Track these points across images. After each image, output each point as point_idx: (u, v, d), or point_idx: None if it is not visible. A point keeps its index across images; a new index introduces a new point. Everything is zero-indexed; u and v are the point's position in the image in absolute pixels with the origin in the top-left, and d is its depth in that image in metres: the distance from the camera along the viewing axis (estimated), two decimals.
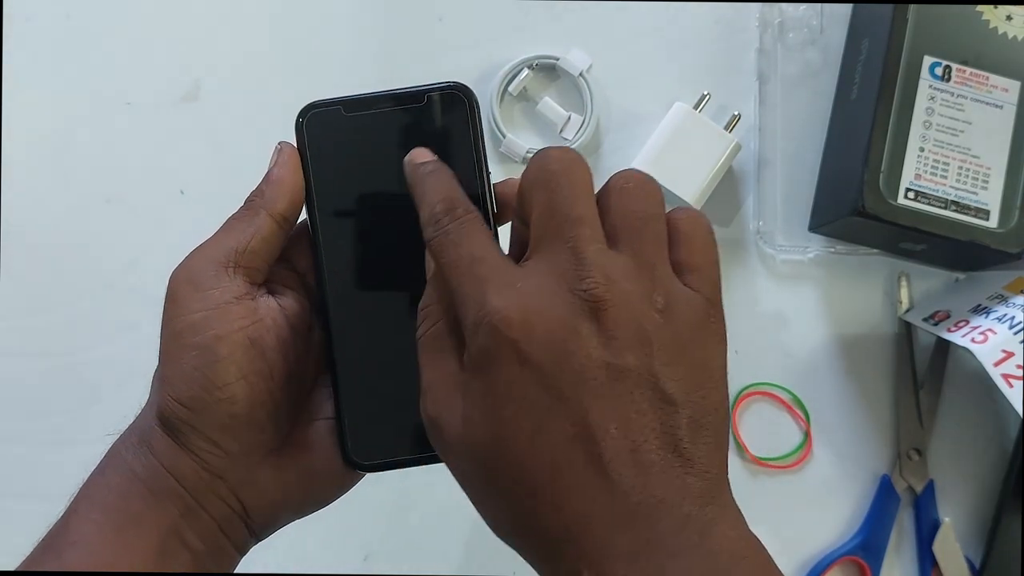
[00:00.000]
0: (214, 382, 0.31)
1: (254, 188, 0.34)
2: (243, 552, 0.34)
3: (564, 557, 0.26)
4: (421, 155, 0.33)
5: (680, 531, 0.25)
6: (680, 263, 0.29)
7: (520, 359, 0.26)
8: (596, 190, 0.30)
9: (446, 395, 0.28)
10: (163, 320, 0.32)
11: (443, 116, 0.35)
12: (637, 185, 0.29)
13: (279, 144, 0.35)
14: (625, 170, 0.30)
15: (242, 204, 0.34)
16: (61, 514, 0.32)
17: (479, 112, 0.35)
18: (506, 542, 0.28)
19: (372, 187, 0.35)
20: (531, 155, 0.58)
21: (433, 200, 0.30)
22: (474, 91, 0.35)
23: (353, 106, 0.35)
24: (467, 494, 0.29)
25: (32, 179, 0.60)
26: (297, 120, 0.35)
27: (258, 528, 0.34)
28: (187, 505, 0.32)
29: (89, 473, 0.33)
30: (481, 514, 0.29)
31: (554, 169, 0.28)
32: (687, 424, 0.26)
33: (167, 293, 0.32)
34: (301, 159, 0.35)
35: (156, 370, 0.33)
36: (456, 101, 0.35)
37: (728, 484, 0.28)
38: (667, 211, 0.30)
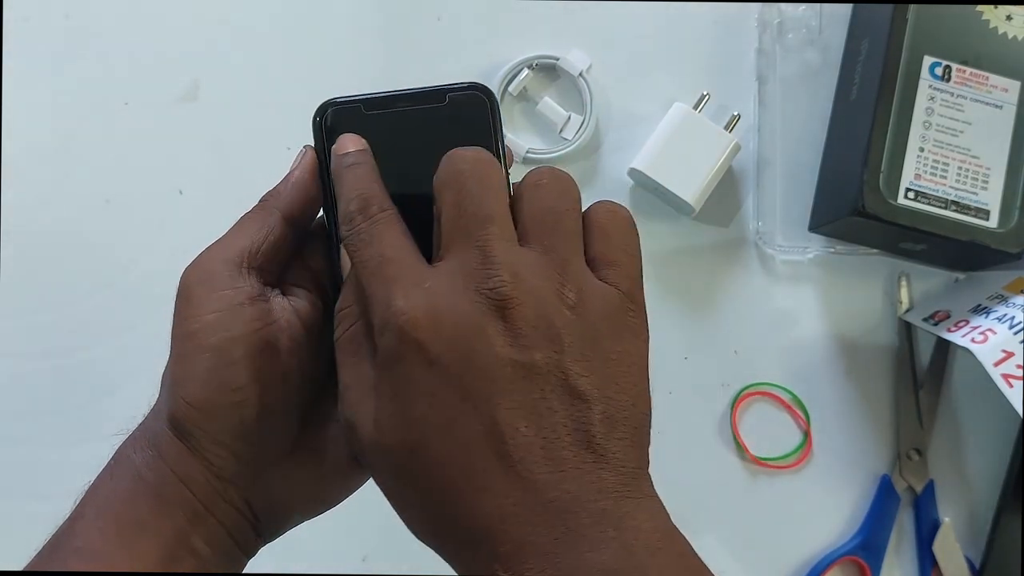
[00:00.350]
0: (227, 385, 0.30)
1: (271, 188, 0.34)
2: (250, 556, 0.34)
3: (480, 557, 0.26)
4: (345, 144, 0.32)
5: (595, 525, 0.25)
6: (597, 258, 0.29)
7: (427, 359, 0.26)
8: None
9: (360, 397, 0.28)
10: (175, 320, 0.31)
11: (463, 116, 0.35)
12: (551, 181, 0.29)
13: (304, 148, 0.34)
14: (539, 167, 0.30)
15: (256, 203, 0.33)
16: (67, 517, 0.32)
17: (500, 113, 0.35)
18: (425, 543, 0.28)
19: (391, 186, 0.35)
20: (531, 155, 0.58)
21: (349, 196, 0.30)
22: (494, 92, 0.35)
23: (373, 104, 0.35)
24: (385, 495, 0.29)
25: (32, 179, 0.60)
26: (314, 118, 0.35)
27: (266, 532, 0.34)
28: (195, 511, 0.31)
29: (96, 474, 0.32)
30: (399, 515, 0.29)
31: (463, 169, 0.29)
32: (600, 419, 0.26)
33: (179, 292, 0.32)
34: (317, 156, 0.34)
35: (165, 371, 0.32)
36: (477, 101, 0.35)
37: (648, 477, 0.27)
38: (587, 206, 0.30)
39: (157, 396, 0.33)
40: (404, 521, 0.29)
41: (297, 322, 0.32)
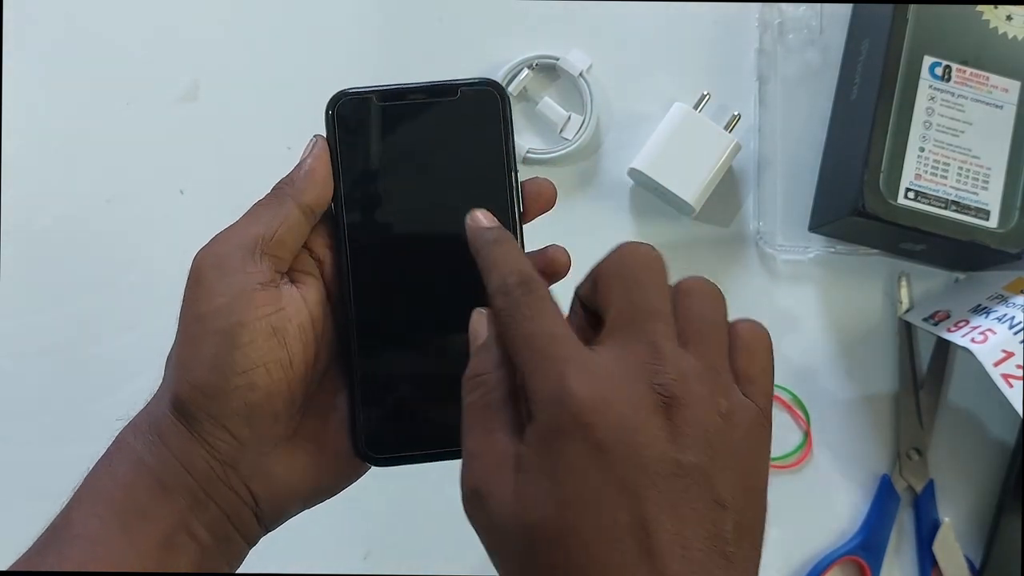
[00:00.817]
0: (234, 369, 0.31)
1: (284, 176, 0.34)
2: (252, 544, 0.34)
3: None
4: (485, 218, 0.33)
5: None
6: (739, 372, 0.30)
7: (590, 442, 0.27)
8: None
9: (496, 467, 0.28)
10: (185, 302, 0.32)
11: (475, 111, 0.35)
12: (706, 291, 0.31)
13: (315, 137, 0.35)
14: (693, 276, 0.31)
15: (269, 191, 0.34)
16: (64, 505, 0.32)
17: (511, 110, 0.35)
18: None
19: (401, 179, 0.35)
20: (531, 155, 0.58)
21: (506, 271, 0.31)
22: (506, 90, 0.35)
23: (386, 96, 0.35)
24: (500, 568, 0.29)
25: (32, 179, 0.60)
26: (327, 109, 0.35)
27: (268, 519, 0.34)
28: (196, 497, 0.32)
29: (94, 461, 0.32)
30: None
31: (637, 263, 0.30)
32: (734, 527, 0.27)
33: (191, 275, 0.32)
34: (329, 146, 0.34)
35: (171, 354, 0.32)
36: (488, 98, 0.35)
37: None
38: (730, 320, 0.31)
39: (160, 382, 0.33)
40: None
41: (304, 310, 0.33)
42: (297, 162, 0.34)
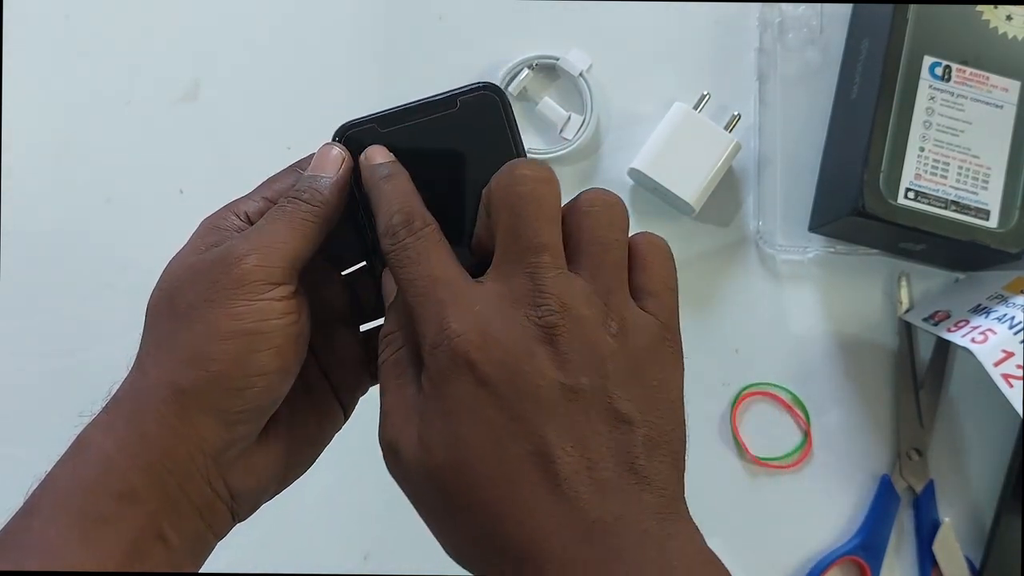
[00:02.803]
0: (260, 369, 0.31)
1: (315, 184, 0.33)
2: (220, 538, 0.34)
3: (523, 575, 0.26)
4: (376, 155, 0.33)
5: (638, 546, 0.26)
6: (638, 288, 0.30)
7: (478, 380, 0.27)
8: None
9: (403, 419, 0.29)
10: (217, 289, 0.31)
11: (478, 118, 0.35)
12: (602, 208, 0.30)
13: (338, 150, 0.34)
14: (592, 190, 0.30)
15: (305, 196, 0.33)
16: (19, 510, 0.31)
17: (512, 109, 0.35)
18: (464, 566, 0.29)
19: (424, 199, 0.35)
20: (531, 155, 0.58)
21: (390, 209, 0.31)
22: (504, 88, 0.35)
23: (387, 121, 0.35)
24: (423, 518, 0.29)
25: (32, 179, 0.60)
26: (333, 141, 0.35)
27: (243, 511, 0.34)
28: (168, 496, 0.31)
29: (53, 464, 0.32)
30: (438, 538, 0.29)
31: (522, 192, 0.29)
32: (643, 443, 0.27)
33: (230, 264, 0.31)
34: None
35: (172, 344, 0.32)
36: (488, 101, 0.35)
37: (684, 502, 0.28)
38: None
39: (132, 377, 0.33)
40: (444, 544, 0.29)
41: (308, 322, 0.33)
42: (312, 166, 0.34)
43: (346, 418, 0.37)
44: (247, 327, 0.31)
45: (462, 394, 0.27)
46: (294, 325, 0.32)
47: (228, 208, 0.35)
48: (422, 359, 0.29)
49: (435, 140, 0.35)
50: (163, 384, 0.32)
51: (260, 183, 0.35)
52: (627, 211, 0.30)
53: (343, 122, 0.35)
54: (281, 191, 0.35)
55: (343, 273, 0.37)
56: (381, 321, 0.35)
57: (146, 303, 0.34)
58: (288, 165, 0.35)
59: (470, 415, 0.27)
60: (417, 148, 0.35)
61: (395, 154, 0.34)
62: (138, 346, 0.35)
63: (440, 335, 0.28)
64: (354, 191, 0.34)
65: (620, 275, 0.29)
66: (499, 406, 0.27)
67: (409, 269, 0.30)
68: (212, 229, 0.34)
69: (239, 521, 0.35)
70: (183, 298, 0.32)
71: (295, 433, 0.35)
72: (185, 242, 0.34)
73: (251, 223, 0.34)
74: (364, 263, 0.37)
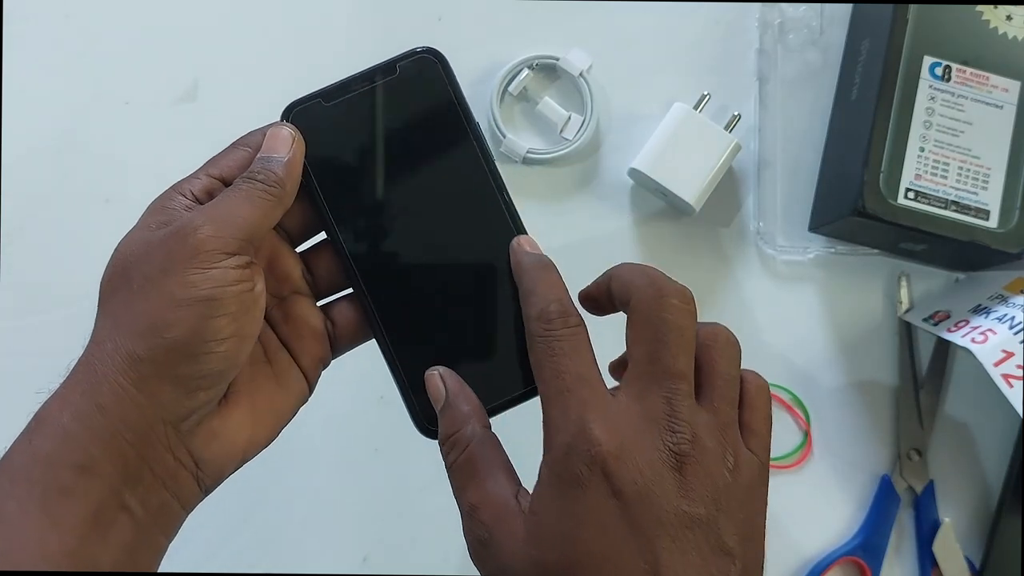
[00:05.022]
0: (216, 335, 0.32)
1: (268, 165, 0.34)
2: (189, 510, 0.34)
3: None
4: (529, 243, 0.36)
5: None
6: (744, 424, 0.32)
7: (612, 490, 0.29)
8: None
9: (499, 515, 0.31)
10: (172, 260, 0.32)
11: (419, 82, 0.37)
12: (727, 346, 0.33)
13: (288, 130, 0.35)
14: (716, 326, 0.33)
15: (259, 176, 0.34)
16: None
17: (451, 70, 0.36)
18: None
19: (375, 167, 0.36)
20: (531, 155, 0.58)
21: (548, 297, 0.33)
22: (442, 51, 0.36)
23: (331, 95, 0.37)
24: None
25: (32, 179, 0.60)
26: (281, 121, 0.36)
27: (209, 480, 0.34)
28: (128, 466, 0.31)
29: (11, 443, 0.32)
30: None
31: (668, 319, 0.31)
32: (739, 574, 0.29)
33: (187, 241, 0.32)
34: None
35: (128, 314, 0.32)
36: (426, 64, 0.37)
37: None
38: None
39: (88, 351, 0.33)
40: None
41: (264, 291, 0.34)
42: (265, 146, 0.35)
43: (311, 390, 0.38)
44: (202, 294, 0.32)
45: (592, 500, 0.29)
46: (249, 293, 0.33)
47: (173, 189, 0.35)
48: (546, 441, 0.30)
49: (378, 105, 0.36)
50: (119, 354, 0.32)
51: (205, 162, 0.36)
52: (741, 349, 0.33)
53: (289, 102, 0.36)
54: (225, 167, 0.36)
55: (297, 250, 0.38)
56: (337, 297, 0.38)
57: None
58: (231, 143, 0.36)
59: (596, 521, 0.29)
60: (362, 114, 0.36)
61: (342, 124, 0.36)
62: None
63: (581, 438, 0.29)
64: (307, 168, 0.36)
65: (735, 412, 0.32)
66: (626, 520, 0.29)
67: (559, 360, 0.31)
68: (160, 209, 0.35)
69: (206, 492, 0.35)
70: (138, 271, 0.33)
71: (257, 401, 0.35)
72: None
73: (198, 201, 0.35)
74: (316, 238, 0.38)
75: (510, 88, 0.58)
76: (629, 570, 0.28)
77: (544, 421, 0.31)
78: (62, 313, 0.59)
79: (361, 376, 0.39)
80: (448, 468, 0.33)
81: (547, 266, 0.34)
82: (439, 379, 0.35)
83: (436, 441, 0.35)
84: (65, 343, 0.59)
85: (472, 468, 0.32)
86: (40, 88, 0.61)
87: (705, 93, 0.57)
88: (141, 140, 0.60)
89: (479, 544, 0.31)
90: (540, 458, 0.31)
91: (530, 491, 0.31)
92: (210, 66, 0.61)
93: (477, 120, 0.37)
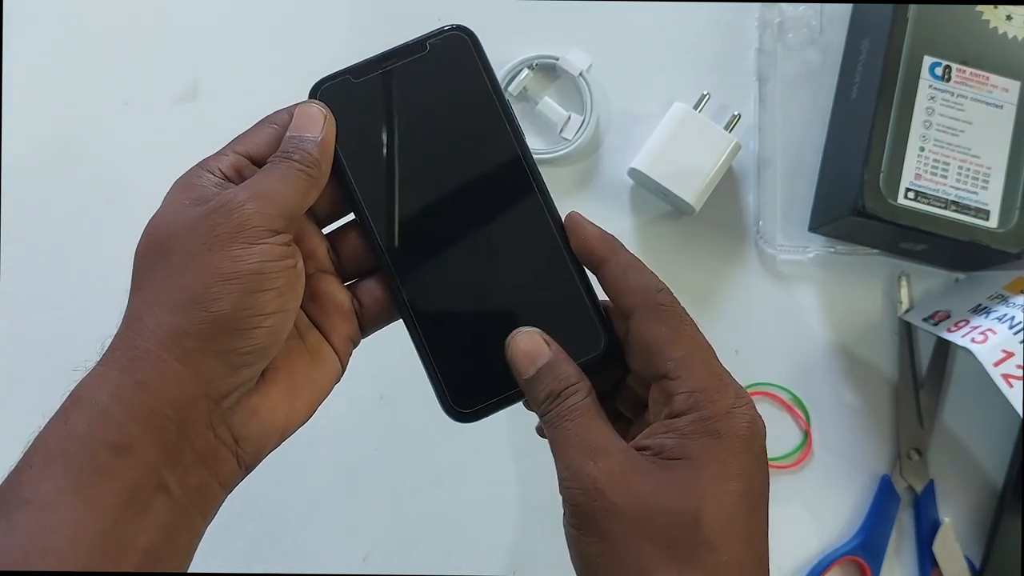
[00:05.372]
0: (259, 310, 0.32)
1: (303, 145, 0.34)
2: (228, 489, 0.34)
3: None
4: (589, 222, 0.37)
5: None
6: None
7: (755, 456, 0.32)
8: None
9: (627, 461, 0.32)
10: (216, 235, 0.32)
11: (449, 59, 0.36)
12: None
13: (318, 108, 0.35)
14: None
15: (295, 156, 0.34)
16: (12, 469, 0.30)
17: (482, 47, 0.36)
18: None
19: (405, 145, 0.36)
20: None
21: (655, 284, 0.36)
22: (473, 29, 0.36)
23: (360, 72, 0.36)
24: (633, 552, 0.31)
25: (32, 179, 0.60)
26: (310, 98, 0.36)
27: (249, 458, 0.34)
28: (167, 443, 0.31)
29: (45, 421, 0.31)
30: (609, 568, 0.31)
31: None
32: None
33: (230, 209, 0.32)
34: None
35: (167, 287, 0.32)
36: (457, 41, 0.36)
37: None
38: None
39: (126, 326, 0.33)
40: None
41: (302, 266, 0.34)
42: (295, 124, 0.35)
43: (343, 368, 0.37)
44: (249, 267, 0.31)
45: (748, 456, 0.32)
46: (292, 269, 0.33)
47: (200, 166, 0.35)
48: (669, 405, 0.32)
49: (408, 83, 0.36)
50: (162, 328, 0.31)
51: (231, 139, 0.36)
52: None
53: (317, 79, 0.36)
54: (252, 145, 0.35)
55: (324, 231, 0.38)
56: (360, 280, 0.37)
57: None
58: (259, 120, 0.36)
59: (751, 476, 0.31)
60: (392, 92, 0.36)
61: (370, 102, 0.36)
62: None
63: (742, 400, 0.32)
64: (336, 149, 0.35)
65: None
66: (763, 474, 0.32)
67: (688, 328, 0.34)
68: (189, 186, 0.34)
69: (247, 471, 0.34)
70: (179, 245, 0.32)
71: (294, 378, 0.35)
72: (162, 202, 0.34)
73: (226, 178, 0.34)
74: (342, 220, 0.38)
75: (510, 88, 0.58)
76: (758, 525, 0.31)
77: (690, 381, 0.32)
78: (62, 313, 0.59)
79: (361, 376, 0.39)
80: (557, 420, 0.33)
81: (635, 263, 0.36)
82: (541, 338, 0.34)
83: (461, 423, 0.35)
84: (65, 343, 0.59)
85: (591, 418, 0.33)
86: (40, 88, 0.61)
87: (705, 93, 0.57)
88: (141, 140, 0.60)
89: (595, 492, 0.31)
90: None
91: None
92: (210, 66, 0.61)
93: (508, 98, 0.36)
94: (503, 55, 0.59)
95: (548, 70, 0.60)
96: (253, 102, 0.61)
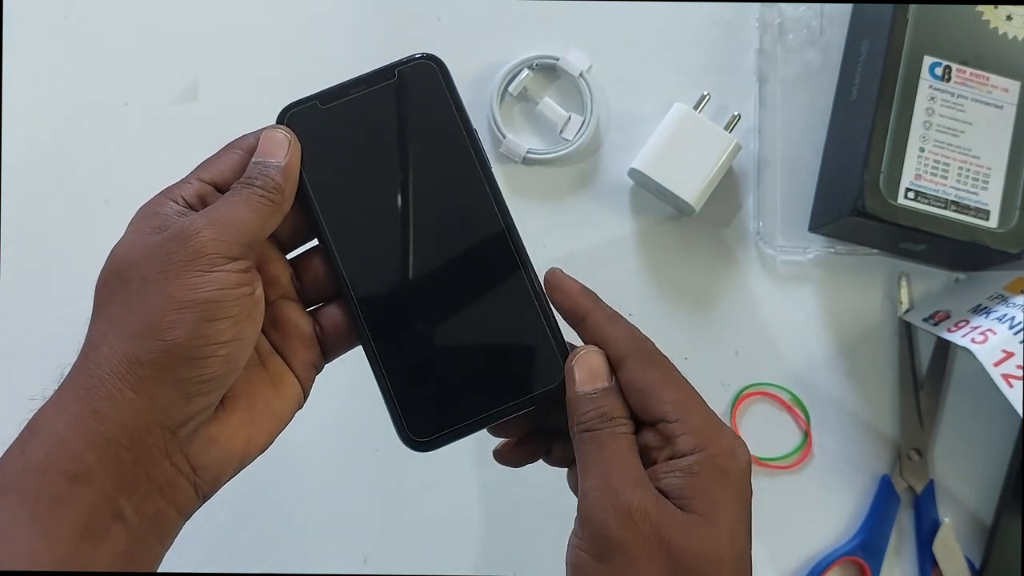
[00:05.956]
0: (217, 338, 0.32)
1: (266, 171, 0.34)
2: (186, 517, 0.34)
3: None
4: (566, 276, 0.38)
5: None
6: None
7: (748, 493, 0.35)
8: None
9: (653, 499, 0.33)
10: (172, 262, 0.32)
11: (417, 88, 0.36)
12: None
13: (283, 134, 0.35)
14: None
15: (257, 181, 0.34)
16: None
17: (450, 75, 0.36)
18: None
19: (371, 172, 0.36)
20: (531, 156, 0.58)
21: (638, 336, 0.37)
22: (442, 59, 0.36)
23: (328, 97, 0.36)
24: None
25: (31, 179, 0.60)
26: (277, 123, 0.36)
27: (207, 487, 0.34)
28: (123, 472, 0.31)
29: (5, 449, 0.31)
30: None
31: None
32: None
33: (186, 237, 0.32)
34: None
35: (124, 316, 0.32)
36: (426, 70, 0.36)
37: None
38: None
39: (83, 356, 0.33)
40: None
41: (262, 296, 0.34)
42: (259, 150, 0.35)
43: (306, 394, 0.37)
44: (204, 295, 0.31)
45: (748, 490, 0.35)
46: (249, 296, 0.33)
47: (164, 195, 0.35)
48: (678, 446, 0.33)
49: (376, 110, 0.36)
50: (117, 358, 0.31)
51: (196, 166, 0.36)
52: None
53: (285, 104, 0.36)
54: (217, 171, 0.35)
55: (288, 257, 0.38)
56: (322, 306, 0.37)
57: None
58: (223, 146, 0.36)
59: (750, 508, 0.35)
60: (359, 119, 0.36)
61: (337, 128, 0.36)
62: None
63: (739, 440, 0.34)
64: (301, 171, 0.35)
65: None
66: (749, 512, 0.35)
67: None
68: (151, 215, 0.34)
69: (204, 499, 0.34)
70: (136, 273, 0.32)
71: (254, 405, 0.35)
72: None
73: (189, 207, 0.34)
74: (306, 245, 0.38)
75: (510, 88, 0.58)
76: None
77: (690, 422, 0.34)
78: (61, 313, 0.59)
79: (361, 376, 0.39)
80: (604, 439, 0.34)
81: (612, 316, 0.37)
82: (607, 363, 0.35)
83: (417, 452, 0.36)
84: (64, 344, 0.59)
85: (633, 451, 0.34)
86: (40, 88, 0.61)
87: (705, 93, 0.57)
88: (141, 141, 0.60)
89: (628, 518, 0.32)
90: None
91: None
92: (210, 66, 0.61)
93: (475, 128, 0.36)
94: (503, 55, 0.59)
95: (548, 70, 0.60)
96: (253, 102, 0.61)
